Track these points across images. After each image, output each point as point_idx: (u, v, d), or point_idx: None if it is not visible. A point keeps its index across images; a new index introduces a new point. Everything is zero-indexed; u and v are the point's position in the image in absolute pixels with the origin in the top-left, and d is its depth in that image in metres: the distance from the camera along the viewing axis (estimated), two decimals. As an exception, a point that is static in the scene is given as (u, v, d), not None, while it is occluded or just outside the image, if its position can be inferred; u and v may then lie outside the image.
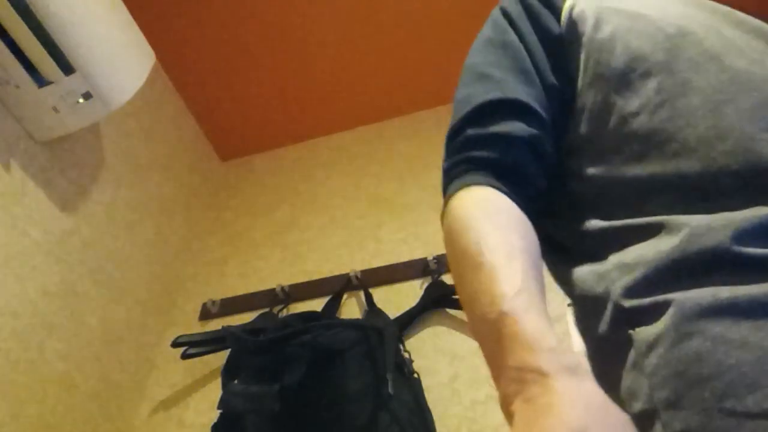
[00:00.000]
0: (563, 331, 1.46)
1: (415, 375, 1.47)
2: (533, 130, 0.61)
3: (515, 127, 0.61)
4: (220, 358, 1.59)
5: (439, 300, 1.61)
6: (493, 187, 0.59)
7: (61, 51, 1.40)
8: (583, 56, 0.62)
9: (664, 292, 0.49)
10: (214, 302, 1.90)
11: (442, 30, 2.13)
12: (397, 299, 1.68)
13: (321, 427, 1.29)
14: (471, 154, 0.62)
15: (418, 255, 1.78)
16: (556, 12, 0.66)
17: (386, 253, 1.85)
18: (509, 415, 0.43)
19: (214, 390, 1.61)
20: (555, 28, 0.65)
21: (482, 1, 2.05)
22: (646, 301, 0.50)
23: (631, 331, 0.50)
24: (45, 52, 1.39)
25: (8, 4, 1.31)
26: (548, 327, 0.46)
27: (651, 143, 0.55)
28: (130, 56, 1.58)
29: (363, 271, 1.78)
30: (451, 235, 0.58)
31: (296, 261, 1.97)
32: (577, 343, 1.42)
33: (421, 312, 1.61)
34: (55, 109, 1.49)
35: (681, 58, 0.56)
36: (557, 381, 0.41)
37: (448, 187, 0.63)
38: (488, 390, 1.42)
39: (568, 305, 1.50)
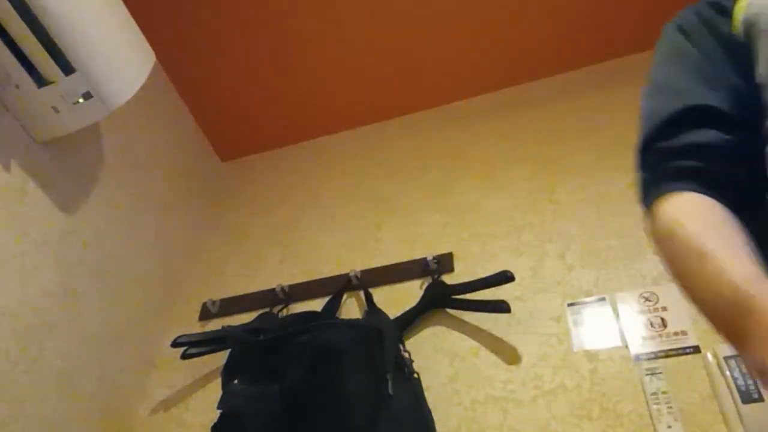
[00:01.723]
0: (563, 331, 1.46)
1: (415, 375, 1.47)
2: (726, 135, 0.62)
3: (708, 135, 0.62)
4: (220, 358, 1.59)
5: (439, 300, 1.61)
6: (696, 191, 0.61)
7: (61, 51, 1.40)
8: (764, 51, 0.62)
9: None
10: (214, 302, 1.90)
11: (442, 30, 2.13)
12: (397, 299, 1.68)
13: (321, 427, 1.29)
14: (670, 165, 0.63)
15: (418, 255, 1.78)
16: (728, 16, 0.67)
17: (386, 253, 1.85)
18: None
19: (214, 390, 1.61)
20: (729, 30, 0.66)
21: (482, 1, 2.05)
22: None
23: None
24: (45, 52, 1.39)
25: (8, 4, 1.31)
26: None
27: None
28: (130, 56, 1.58)
29: (363, 271, 1.78)
30: (667, 234, 0.60)
31: (296, 261, 1.97)
32: (576, 341, 1.42)
33: (421, 312, 1.61)
34: (55, 109, 1.49)
35: None
36: None
37: (651, 197, 0.65)
38: (488, 390, 1.42)
39: (568, 305, 1.50)
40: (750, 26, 0.64)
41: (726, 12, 0.67)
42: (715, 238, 0.54)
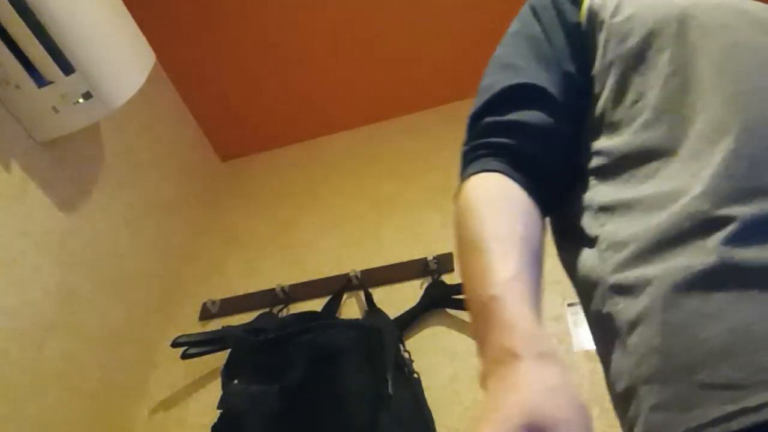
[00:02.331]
0: (563, 331, 1.46)
1: (415, 375, 1.47)
2: (549, 118, 0.63)
3: (532, 116, 0.63)
4: (220, 358, 1.59)
5: (439, 300, 1.61)
6: (506, 174, 0.61)
7: (61, 51, 1.40)
8: (601, 42, 0.64)
9: (649, 267, 0.49)
10: (214, 302, 1.90)
11: (442, 30, 2.13)
12: (397, 299, 1.68)
13: (321, 427, 1.29)
14: (488, 141, 0.65)
15: (418, 255, 1.78)
16: (577, 3, 0.69)
17: (386, 253, 1.85)
18: (485, 390, 0.46)
19: (214, 390, 1.61)
20: (575, 17, 0.68)
21: (482, 1, 2.05)
22: (631, 276, 0.51)
23: (615, 310, 0.52)
24: (45, 52, 1.39)
25: (8, 4, 1.31)
26: (531, 313, 0.49)
27: (661, 111, 0.56)
28: (130, 56, 1.58)
29: (363, 271, 1.78)
30: (458, 218, 0.61)
31: (296, 261, 1.97)
32: (576, 341, 1.42)
33: (421, 312, 1.61)
34: (55, 109, 1.49)
35: (692, 26, 0.57)
36: (525, 364, 0.44)
37: (464, 171, 0.66)
38: (488, 390, 1.42)
39: (568, 305, 1.50)
40: (593, 17, 0.66)
41: (576, 1, 0.69)
42: (496, 235, 0.54)
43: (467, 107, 2.23)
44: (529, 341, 0.46)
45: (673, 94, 0.55)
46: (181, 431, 1.63)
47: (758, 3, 0.59)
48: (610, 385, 0.54)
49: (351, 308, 1.75)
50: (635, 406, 0.48)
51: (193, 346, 1.68)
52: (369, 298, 1.69)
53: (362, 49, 2.19)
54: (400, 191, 2.05)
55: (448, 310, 1.61)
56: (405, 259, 1.80)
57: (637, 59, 0.60)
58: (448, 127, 2.21)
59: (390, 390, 1.30)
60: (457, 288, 1.59)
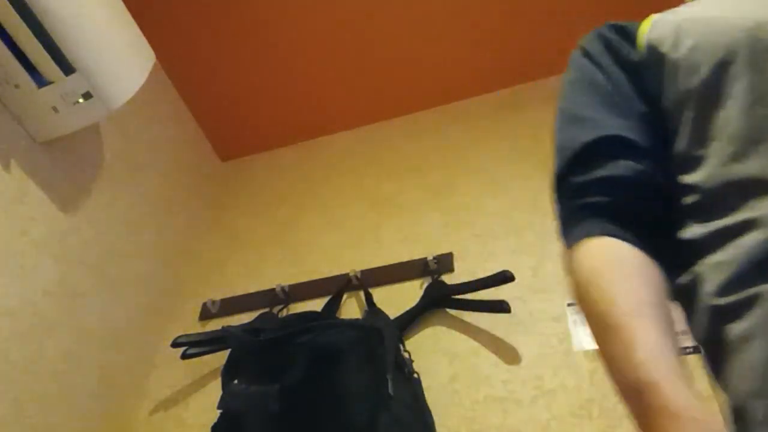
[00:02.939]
0: (563, 331, 1.46)
1: (415, 375, 1.47)
2: (638, 165, 0.61)
3: (620, 168, 0.61)
4: (220, 358, 1.59)
5: (439, 300, 1.61)
6: (615, 236, 0.60)
7: (61, 51, 1.40)
8: (667, 76, 0.62)
9: (754, 286, 0.49)
10: (214, 302, 1.90)
11: (443, 30, 2.13)
12: (397, 299, 1.68)
13: (321, 427, 1.29)
14: (582, 202, 0.63)
15: (418, 255, 1.78)
16: (633, 41, 0.67)
17: (386, 253, 1.85)
18: None
19: (214, 390, 1.61)
20: (635, 56, 0.66)
21: (481, 1, 2.05)
22: (737, 297, 0.50)
23: (725, 329, 0.51)
24: (45, 52, 1.39)
25: (8, 4, 1.31)
26: (688, 392, 0.48)
27: (747, 142, 0.55)
28: (130, 56, 1.58)
29: (363, 271, 1.78)
30: (581, 293, 0.59)
31: (296, 261, 1.97)
32: (576, 341, 1.42)
33: (421, 312, 1.61)
34: (55, 109, 1.49)
35: (763, 51, 0.55)
36: None
37: (567, 237, 0.64)
38: (488, 390, 1.42)
39: (568, 305, 1.50)
40: (653, 52, 0.64)
41: (629, 36, 0.67)
42: (624, 309, 0.53)
43: (468, 107, 2.24)
44: (695, 426, 0.46)
45: (759, 122, 0.54)
46: (181, 431, 1.63)
47: None
48: (724, 402, 0.54)
49: (351, 308, 1.75)
50: (745, 422, 0.48)
51: (193, 346, 1.68)
52: (369, 298, 1.69)
53: (362, 49, 2.19)
54: (400, 191, 2.05)
55: (448, 310, 1.61)
56: (405, 259, 1.80)
57: (711, 90, 0.58)
58: (448, 127, 2.22)
59: (390, 390, 1.30)
60: (457, 288, 1.59)
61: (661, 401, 0.47)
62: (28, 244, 1.50)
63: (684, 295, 0.60)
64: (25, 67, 1.42)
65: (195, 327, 1.88)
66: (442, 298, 1.61)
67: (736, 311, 0.51)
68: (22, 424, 1.39)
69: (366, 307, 1.69)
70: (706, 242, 0.57)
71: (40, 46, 1.38)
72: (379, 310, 1.65)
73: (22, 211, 1.50)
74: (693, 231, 0.59)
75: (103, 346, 1.66)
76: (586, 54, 0.70)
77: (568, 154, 0.65)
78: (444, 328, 1.59)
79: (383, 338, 1.40)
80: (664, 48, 0.63)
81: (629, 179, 0.61)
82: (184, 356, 1.67)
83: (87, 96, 1.47)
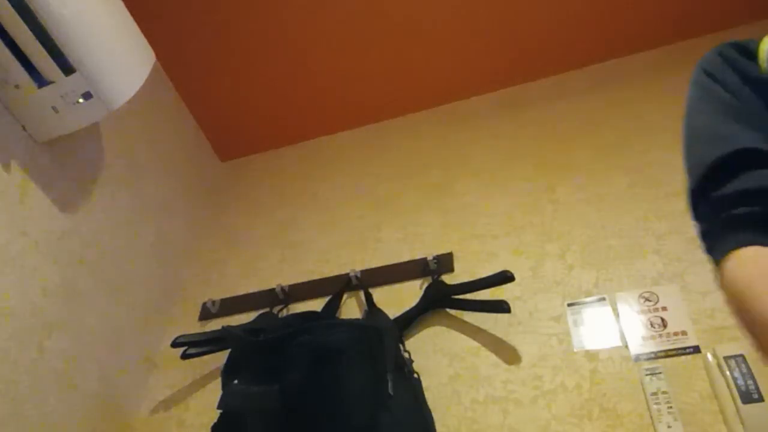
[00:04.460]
0: (563, 331, 1.46)
1: (415, 375, 1.47)
2: None
3: (756, 178, 0.62)
4: (220, 358, 1.59)
5: (439, 300, 1.61)
6: (761, 243, 0.60)
7: (61, 51, 1.40)
8: None
9: None
10: (214, 302, 1.90)
11: (442, 30, 2.13)
12: (397, 299, 1.68)
13: (321, 427, 1.29)
14: (728, 214, 0.63)
15: (418, 255, 1.78)
16: (753, 57, 0.67)
17: (386, 253, 1.85)
18: None
19: (214, 390, 1.61)
20: (757, 71, 0.67)
21: (482, 2, 2.05)
22: None
23: None
24: (45, 52, 1.39)
25: (8, 4, 1.31)
26: None
27: None
28: (130, 56, 1.58)
29: (363, 271, 1.78)
30: (738, 305, 0.60)
31: (296, 261, 1.97)
32: (576, 341, 1.42)
33: (421, 312, 1.61)
34: (55, 109, 1.49)
35: None
36: None
37: (715, 251, 0.65)
38: (488, 390, 1.42)
39: (568, 305, 1.50)
40: None
41: (750, 53, 0.68)
42: None
43: (468, 107, 2.25)
44: None
45: None
46: (181, 431, 1.63)
47: None
48: None
49: (351, 308, 1.75)
50: None
51: (193, 346, 1.68)
52: (369, 298, 1.69)
53: (362, 49, 2.19)
54: (400, 191, 2.05)
55: (448, 310, 1.61)
56: (405, 259, 1.80)
57: None
58: (448, 127, 2.22)
59: (390, 390, 1.30)
60: (457, 288, 1.59)
61: None
62: (28, 244, 1.50)
63: None
64: (25, 67, 1.42)
65: (195, 327, 1.88)
66: (442, 298, 1.61)
67: None
68: (22, 424, 1.39)
69: (366, 307, 1.69)
70: None
71: (40, 46, 1.38)
72: (379, 310, 1.65)
73: (22, 211, 1.50)
74: None
75: (103, 346, 1.66)
76: (708, 73, 0.71)
77: (704, 169, 0.65)
78: (444, 328, 1.59)
79: (383, 338, 1.40)
80: None
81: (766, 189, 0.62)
82: (184, 356, 1.67)
83: (87, 96, 1.47)
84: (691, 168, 0.69)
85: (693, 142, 0.70)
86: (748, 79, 0.67)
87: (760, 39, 0.68)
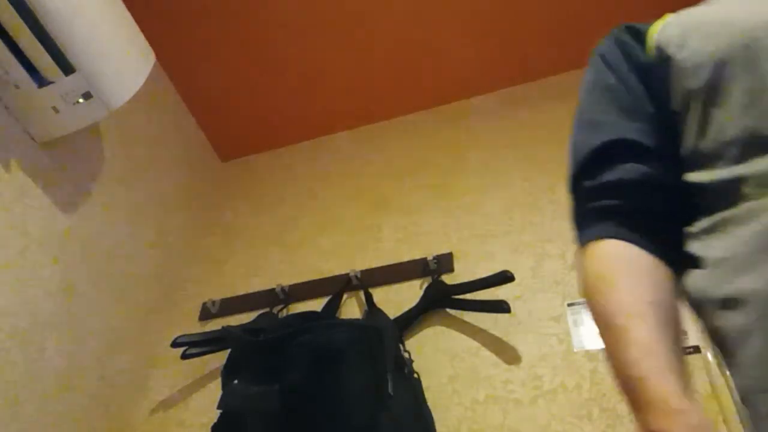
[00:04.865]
0: (563, 331, 1.46)
1: (415, 375, 1.47)
2: (646, 168, 0.63)
3: (630, 171, 0.63)
4: (220, 358, 1.59)
5: (439, 300, 1.61)
6: (620, 237, 0.62)
7: (61, 51, 1.40)
8: (673, 77, 0.63)
9: (749, 279, 0.50)
10: (214, 302, 1.90)
11: (442, 30, 2.13)
12: (397, 299, 1.68)
13: (321, 427, 1.29)
14: (592, 205, 0.66)
15: (418, 255, 1.78)
16: (643, 42, 0.68)
17: (386, 253, 1.85)
18: None
19: (214, 390, 1.61)
20: (645, 58, 0.67)
21: (482, 1, 2.05)
22: (735, 289, 0.52)
23: (726, 324, 0.53)
24: (45, 52, 1.39)
25: (8, 4, 1.31)
26: (674, 387, 0.51)
27: (747, 144, 0.56)
28: (130, 56, 1.58)
29: (363, 271, 1.78)
30: (585, 292, 0.62)
31: (296, 261, 1.97)
32: (576, 341, 1.42)
33: (421, 312, 1.61)
34: (55, 109, 1.49)
35: (761, 50, 0.56)
36: None
37: (580, 238, 0.67)
38: (488, 390, 1.42)
39: (568, 305, 1.50)
40: (661, 53, 0.65)
41: (640, 37, 0.68)
42: (624, 310, 0.56)
43: (468, 107, 2.25)
44: (679, 419, 0.48)
45: (755, 122, 0.55)
46: (181, 431, 1.63)
47: None
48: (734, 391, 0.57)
49: (351, 308, 1.75)
50: (751, 416, 0.50)
51: (193, 346, 1.68)
52: (369, 298, 1.69)
53: (362, 49, 2.19)
54: (400, 191, 2.05)
55: (448, 310, 1.61)
56: (405, 259, 1.80)
57: (712, 92, 0.59)
58: (448, 127, 2.22)
59: (390, 390, 1.30)
60: (457, 288, 1.59)
61: (648, 396, 0.50)
62: (28, 244, 1.50)
63: (690, 291, 0.61)
64: (25, 67, 1.42)
65: (195, 327, 1.88)
66: (442, 298, 1.61)
67: (734, 302, 0.51)
68: (21, 424, 1.39)
69: (366, 307, 1.69)
70: (707, 236, 0.58)
71: (40, 46, 1.38)
72: (379, 310, 1.65)
73: (22, 211, 1.50)
74: (697, 226, 0.60)
75: (103, 346, 1.66)
76: (602, 56, 0.72)
77: (580, 157, 0.68)
78: (444, 328, 1.59)
79: (383, 338, 1.40)
80: (671, 49, 0.64)
81: (635, 182, 0.63)
82: (184, 356, 1.67)
83: (87, 96, 1.47)
84: (571, 153, 0.70)
85: (577, 127, 0.72)
86: (634, 65, 0.68)
87: (652, 23, 0.68)
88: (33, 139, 1.56)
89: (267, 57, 2.23)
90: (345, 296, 1.77)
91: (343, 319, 1.68)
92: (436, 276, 1.69)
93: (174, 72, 2.26)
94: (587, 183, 0.66)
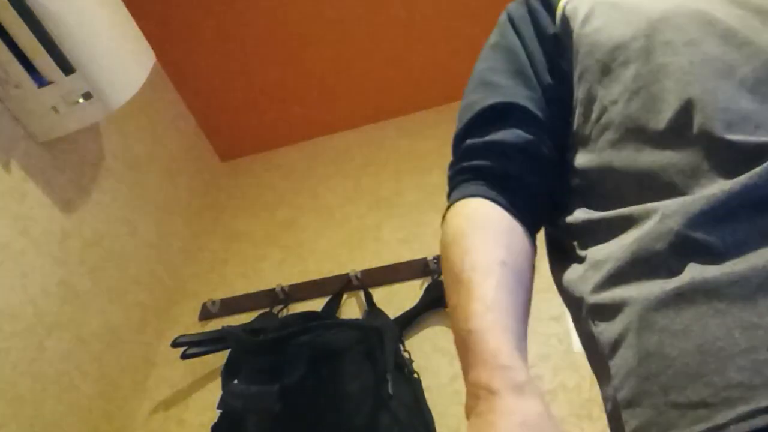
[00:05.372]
0: (564, 331, 1.46)
1: (415, 375, 1.47)
2: (528, 136, 0.62)
3: (511, 135, 0.62)
4: (220, 358, 1.59)
5: (439, 300, 1.61)
6: (487, 197, 0.61)
7: (61, 51, 1.40)
8: (573, 51, 0.62)
9: (625, 288, 0.49)
10: (214, 302, 1.90)
11: (442, 30, 2.13)
12: (397, 299, 1.68)
13: (321, 427, 1.29)
14: (469, 164, 0.64)
15: (418, 255, 1.78)
16: (552, 11, 0.66)
17: (386, 253, 1.85)
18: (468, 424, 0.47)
19: (214, 390, 1.61)
20: (550, 27, 0.66)
21: (482, 1, 2.05)
22: (608, 298, 0.50)
23: (596, 332, 0.51)
24: (45, 52, 1.39)
25: (8, 4, 1.31)
26: (508, 344, 0.49)
27: (625, 131, 0.54)
28: (130, 56, 1.58)
29: (363, 271, 1.78)
30: (442, 249, 0.61)
31: (296, 261, 1.97)
32: (576, 341, 1.42)
33: (421, 312, 1.61)
34: (55, 109, 1.49)
35: (659, 43, 0.54)
36: (502, 399, 0.45)
37: (449, 197, 0.66)
38: (488, 390, 1.42)
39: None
40: (565, 25, 0.64)
41: (550, 5, 0.67)
42: (475, 265, 0.54)
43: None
44: (504, 374, 0.47)
45: (636, 113, 0.54)
46: (181, 431, 1.63)
47: (730, 8, 0.54)
48: (604, 405, 0.54)
49: (351, 308, 1.75)
50: (621, 430, 0.48)
51: (193, 346, 1.68)
52: (369, 298, 1.69)
53: (362, 49, 2.19)
54: (400, 191, 2.05)
55: (448, 310, 1.61)
56: (405, 259, 1.79)
57: (602, 72, 0.58)
58: (448, 127, 2.21)
59: (390, 390, 1.30)
60: (457, 288, 1.59)
61: (478, 348, 0.49)
62: (28, 244, 1.50)
63: (564, 287, 0.59)
64: (25, 67, 1.42)
65: (195, 327, 1.88)
66: (442, 298, 1.60)
67: (608, 312, 0.50)
68: (21, 424, 1.39)
69: (366, 307, 1.69)
70: (587, 233, 0.56)
71: (40, 46, 1.38)
72: (379, 310, 1.65)
73: (22, 211, 1.50)
74: (576, 217, 0.59)
75: (103, 346, 1.66)
76: (510, 19, 0.71)
77: (467, 117, 0.66)
78: (444, 328, 1.59)
79: (383, 338, 1.40)
80: (574, 23, 0.62)
81: (515, 146, 0.62)
82: (184, 356, 1.67)
83: (87, 96, 1.47)
84: (461, 110, 0.68)
85: (471, 85, 0.70)
86: (539, 33, 0.67)
87: None
88: (33, 139, 1.56)
89: (267, 57, 2.23)
90: (345, 296, 1.77)
91: (343, 319, 1.68)
92: (436, 276, 1.68)
93: (174, 72, 2.26)
94: (469, 142, 0.65)
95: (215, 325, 1.83)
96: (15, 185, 1.49)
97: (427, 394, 1.44)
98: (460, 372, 1.47)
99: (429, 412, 1.41)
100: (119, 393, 1.69)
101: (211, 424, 1.43)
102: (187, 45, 2.20)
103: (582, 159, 0.59)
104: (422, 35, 2.15)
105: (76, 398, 1.54)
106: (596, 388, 1.45)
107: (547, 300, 1.53)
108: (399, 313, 1.61)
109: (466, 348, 0.50)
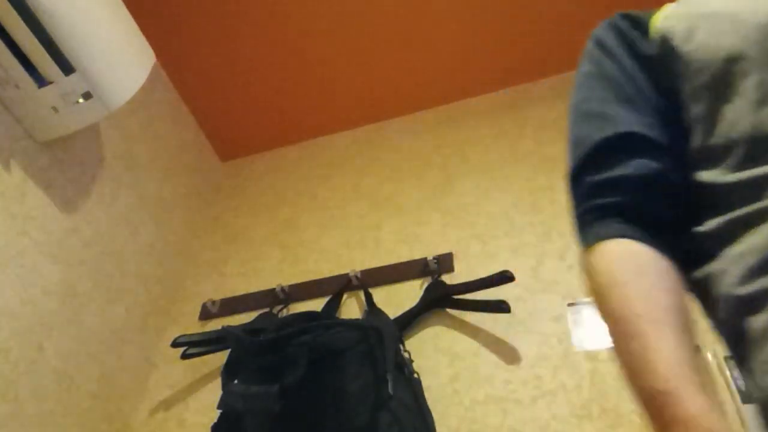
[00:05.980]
0: (563, 331, 1.46)
1: (415, 375, 1.47)
2: (655, 164, 0.60)
3: (638, 166, 0.60)
4: (220, 358, 1.59)
5: (439, 300, 1.61)
6: (631, 237, 0.59)
7: (61, 51, 1.40)
8: (681, 70, 0.61)
9: None
10: (214, 302, 1.90)
11: (442, 30, 2.13)
12: (397, 299, 1.68)
13: (321, 427, 1.29)
14: (597, 202, 0.62)
15: (418, 255, 1.78)
16: (645, 32, 0.65)
17: (386, 253, 1.85)
18: None
19: (214, 390, 1.61)
20: (648, 48, 0.64)
21: (482, 1, 2.05)
22: (755, 288, 0.49)
23: (747, 321, 0.50)
24: (45, 52, 1.39)
25: (8, 4, 1.31)
26: (703, 402, 0.48)
27: (758, 143, 0.53)
28: (130, 56, 1.58)
29: (363, 271, 1.78)
30: (596, 295, 0.59)
31: (296, 261, 1.97)
32: (576, 341, 1.42)
33: (421, 312, 1.61)
34: (55, 109, 1.49)
35: None
36: None
37: (582, 237, 0.64)
38: (488, 390, 1.42)
39: (568, 305, 1.50)
40: (666, 44, 0.62)
41: (641, 26, 0.65)
42: (642, 316, 0.53)
43: (468, 107, 2.24)
44: None
45: (766, 122, 0.53)
46: (181, 431, 1.63)
47: None
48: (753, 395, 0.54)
49: (351, 308, 1.75)
50: (766, 424, 0.48)
51: (193, 346, 1.68)
52: (369, 298, 1.69)
53: (362, 48, 2.19)
54: (400, 191, 2.05)
55: (448, 310, 1.61)
56: (405, 259, 1.80)
57: (721, 87, 0.57)
58: (448, 127, 2.22)
59: (390, 390, 1.30)
60: (457, 288, 1.59)
61: (675, 411, 0.48)
62: (28, 244, 1.50)
63: (702, 288, 0.58)
64: (25, 67, 1.42)
65: (195, 327, 1.88)
66: (442, 298, 1.61)
67: (757, 302, 0.49)
68: (22, 424, 1.39)
69: (366, 307, 1.69)
70: (724, 234, 0.55)
71: (40, 46, 1.38)
72: (379, 310, 1.65)
73: (22, 211, 1.50)
74: (710, 224, 0.57)
75: (103, 346, 1.66)
76: (600, 45, 0.68)
77: (582, 152, 0.64)
78: (444, 328, 1.59)
79: (383, 338, 1.40)
80: (676, 41, 0.61)
81: (643, 178, 0.60)
82: (184, 356, 1.67)
83: (87, 96, 1.47)
84: (571, 146, 0.66)
85: (576, 120, 0.68)
86: (636, 56, 0.65)
87: (653, 12, 0.66)
88: (33, 139, 1.56)
89: (267, 57, 2.23)
90: (345, 296, 1.77)
91: (343, 319, 1.68)
92: (436, 276, 1.69)
93: (174, 72, 2.26)
94: (589, 179, 0.62)
95: (215, 325, 1.83)
96: (15, 185, 1.49)
97: (427, 394, 1.44)
98: (460, 372, 1.48)
99: (429, 412, 1.41)
100: (119, 393, 1.69)
101: (211, 424, 1.43)
102: (187, 45, 2.20)
103: (713, 174, 0.58)
104: (422, 35, 2.15)
105: (76, 398, 1.54)
106: (596, 388, 1.45)
107: (547, 300, 1.53)
108: (399, 313, 1.61)
109: (655, 406, 0.50)
